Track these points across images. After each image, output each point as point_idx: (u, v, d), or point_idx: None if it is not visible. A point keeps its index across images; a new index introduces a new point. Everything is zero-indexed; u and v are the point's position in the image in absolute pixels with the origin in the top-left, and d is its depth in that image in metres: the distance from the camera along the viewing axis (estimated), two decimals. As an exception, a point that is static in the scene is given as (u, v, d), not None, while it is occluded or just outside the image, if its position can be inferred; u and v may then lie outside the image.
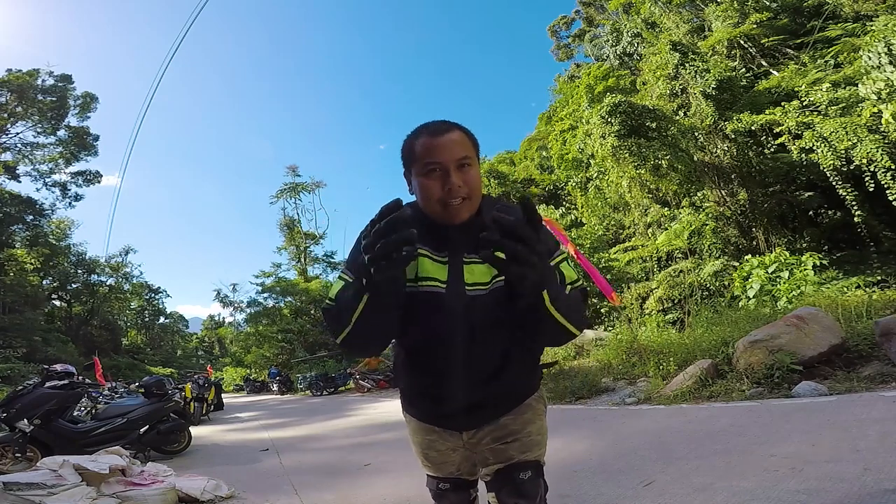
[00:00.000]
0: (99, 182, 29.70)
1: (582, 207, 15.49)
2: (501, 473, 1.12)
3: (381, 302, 0.87)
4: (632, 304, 11.30)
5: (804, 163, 9.33)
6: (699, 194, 11.53)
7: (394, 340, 1.12)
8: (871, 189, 8.11)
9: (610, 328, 10.93)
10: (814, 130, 8.69)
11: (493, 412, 1.12)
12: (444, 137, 0.96)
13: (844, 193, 8.59)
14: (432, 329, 1.01)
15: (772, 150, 10.23)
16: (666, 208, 12.75)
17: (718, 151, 11.01)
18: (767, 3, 12.18)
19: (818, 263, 8.08)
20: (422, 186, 0.96)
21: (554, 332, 0.93)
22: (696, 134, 11.15)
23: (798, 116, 9.12)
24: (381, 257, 0.73)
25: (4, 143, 25.74)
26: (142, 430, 5.38)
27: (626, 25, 16.18)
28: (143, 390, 6.00)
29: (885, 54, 7.58)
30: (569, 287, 0.99)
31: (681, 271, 11.23)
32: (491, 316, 0.98)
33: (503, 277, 0.93)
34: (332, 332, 0.96)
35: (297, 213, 38.72)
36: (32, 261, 22.37)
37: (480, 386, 1.06)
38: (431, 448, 1.19)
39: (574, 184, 15.41)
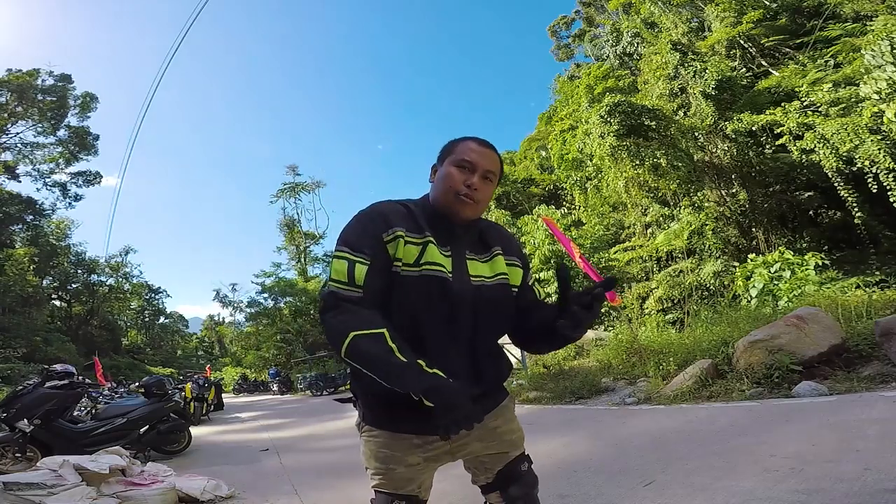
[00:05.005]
0: (99, 182, 29.74)
1: (581, 207, 15.49)
2: (504, 471, 1.18)
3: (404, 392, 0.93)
4: (632, 304, 11.30)
5: (804, 163, 9.32)
6: (699, 194, 11.53)
7: None
8: (874, 190, 8.08)
9: (610, 328, 10.93)
10: (815, 131, 8.67)
11: (483, 408, 1.11)
12: (486, 149, 1.11)
13: (846, 195, 8.57)
14: (438, 315, 1.02)
15: (772, 150, 10.22)
16: (666, 208, 12.75)
17: (718, 151, 11.00)
18: (767, 3, 12.17)
19: (820, 263, 8.06)
20: (448, 174, 1.08)
21: (561, 346, 1.16)
22: (696, 134, 11.14)
23: (799, 117, 9.11)
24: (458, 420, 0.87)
25: (4, 143, 25.73)
26: (142, 430, 5.38)
27: (625, 25, 16.17)
28: (143, 390, 6.00)
29: (889, 53, 7.55)
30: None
31: (681, 271, 11.23)
32: (494, 305, 1.08)
33: (506, 274, 1.14)
34: (347, 354, 0.93)
35: (297, 213, 38.78)
36: (27, 261, 22.32)
37: (481, 376, 1.09)
38: (400, 463, 1.09)
39: (574, 183, 15.41)
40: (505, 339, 1.28)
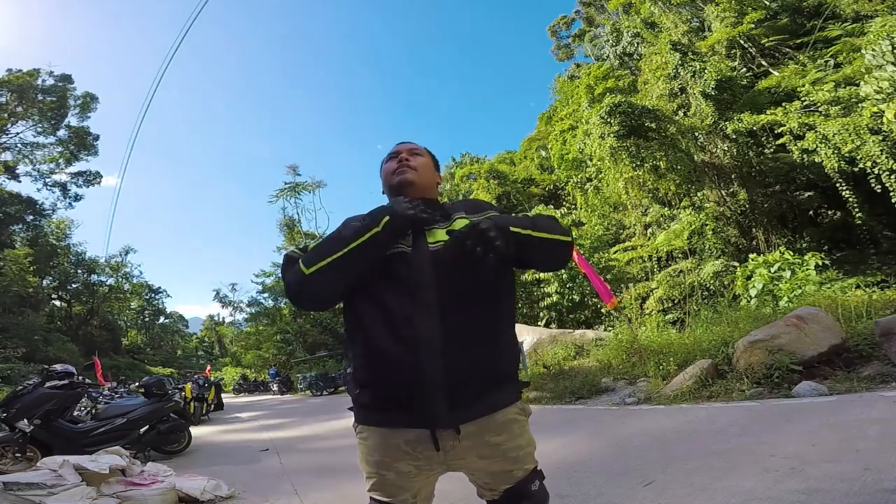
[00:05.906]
0: (99, 183, 29.78)
1: (582, 208, 15.49)
2: (512, 490, 1.14)
3: (380, 243, 1.09)
4: (632, 304, 11.29)
5: (804, 163, 9.32)
6: (699, 194, 11.53)
7: (348, 348, 1.22)
8: (877, 190, 8.07)
9: (610, 328, 10.93)
10: (816, 132, 8.66)
11: (475, 401, 1.06)
12: (406, 143, 1.36)
13: (848, 195, 8.56)
14: (403, 284, 1.09)
15: (772, 150, 10.22)
16: (666, 208, 12.75)
17: (718, 151, 11.00)
18: (767, 3, 12.17)
19: (820, 263, 8.06)
20: (385, 168, 1.32)
21: (546, 248, 1.15)
22: (696, 134, 11.14)
23: (800, 117, 9.10)
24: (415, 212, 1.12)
25: (4, 143, 25.74)
26: (142, 430, 5.38)
27: (625, 25, 16.17)
28: (143, 390, 6.00)
29: (889, 52, 7.54)
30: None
31: (681, 271, 11.23)
32: (453, 265, 1.07)
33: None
34: (309, 262, 1.09)
35: (297, 213, 38.71)
36: (26, 261, 22.30)
37: (459, 347, 1.04)
38: (390, 469, 1.09)
39: (574, 184, 15.42)
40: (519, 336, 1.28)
